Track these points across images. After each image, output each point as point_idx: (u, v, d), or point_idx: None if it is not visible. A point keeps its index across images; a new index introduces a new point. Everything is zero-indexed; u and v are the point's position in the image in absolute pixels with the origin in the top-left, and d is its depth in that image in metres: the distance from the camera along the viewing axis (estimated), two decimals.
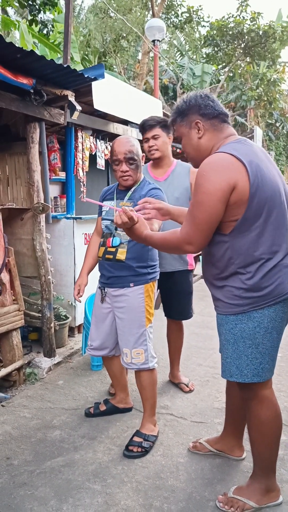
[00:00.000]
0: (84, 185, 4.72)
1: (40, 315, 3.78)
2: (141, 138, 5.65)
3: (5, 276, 3.32)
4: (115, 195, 2.59)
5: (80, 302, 2.88)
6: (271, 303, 1.79)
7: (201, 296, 6.31)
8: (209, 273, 1.94)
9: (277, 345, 1.88)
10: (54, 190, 4.87)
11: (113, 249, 2.49)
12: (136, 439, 2.50)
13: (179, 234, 1.83)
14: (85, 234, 4.37)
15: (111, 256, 2.49)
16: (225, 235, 1.77)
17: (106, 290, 2.60)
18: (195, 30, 13.12)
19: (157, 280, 2.65)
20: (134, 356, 2.50)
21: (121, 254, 2.47)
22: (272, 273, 1.77)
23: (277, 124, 17.89)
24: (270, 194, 1.74)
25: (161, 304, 3.30)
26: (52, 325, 3.72)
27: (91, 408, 2.92)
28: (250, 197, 1.69)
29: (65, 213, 4.68)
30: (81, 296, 2.80)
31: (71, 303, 4.27)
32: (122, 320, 2.54)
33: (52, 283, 3.77)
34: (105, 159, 5.15)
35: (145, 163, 3.10)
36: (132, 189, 2.54)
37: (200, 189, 1.71)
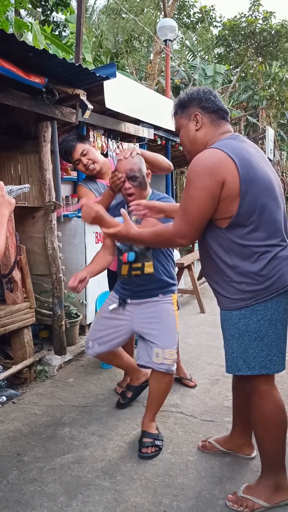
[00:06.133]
0: None
1: (51, 313, 3.80)
2: (152, 137, 5.65)
3: (17, 274, 3.34)
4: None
5: (78, 292, 2.69)
6: (273, 295, 1.81)
7: (212, 295, 6.26)
8: (210, 269, 1.97)
9: (284, 337, 1.89)
10: (65, 189, 4.89)
11: (139, 265, 2.51)
12: (147, 440, 2.47)
13: (171, 228, 1.88)
14: (96, 233, 4.38)
15: (139, 272, 2.52)
16: (222, 229, 1.80)
17: (129, 300, 2.60)
18: (207, 30, 13.05)
19: None
20: (167, 356, 2.45)
21: (149, 268, 2.51)
22: (272, 265, 1.79)
23: None
24: (263, 189, 1.77)
25: None
26: (63, 323, 3.74)
27: (119, 399, 2.98)
28: (242, 193, 1.72)
29: (77, 212, 4.70)
30: (76, 287, 2.57)
31: (82, 302, 4.28)
32: (157, 323, 2.51)
33: (63, 281, 3.78)
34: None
35: (89, 179, 3.06)
36: None
37: (191, 184, 1.76)
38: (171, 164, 2.97)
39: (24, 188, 2.20)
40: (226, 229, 1.79)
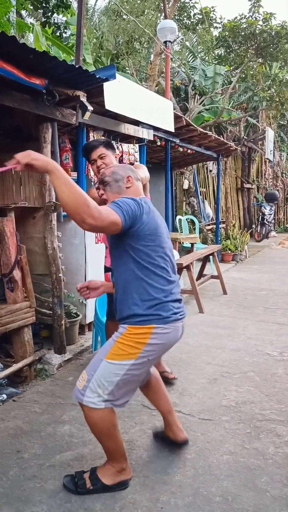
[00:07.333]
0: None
1: (51, 312, 3.83)
2: (152, 138, 5.67)
3: (17, 274, 3.37)
4: None
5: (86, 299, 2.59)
6: None
7: (211, 296, 6.32)
8: None
9: None
10: None
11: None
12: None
13: None
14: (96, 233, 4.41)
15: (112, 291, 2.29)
16: None
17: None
18: (207, 31, 13.06)
19: (154, 329, 2.04)
20: (80, 378, 2.11)
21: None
22: None
23: None
24: None
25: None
26: (62, 322, 3.77)
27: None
28: None
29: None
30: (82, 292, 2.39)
31: (82, 301, 4.31)
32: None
33: (63, 281, 3.81)
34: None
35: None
36: None
37: None
38: (148, 177, 3.07)
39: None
40: None
